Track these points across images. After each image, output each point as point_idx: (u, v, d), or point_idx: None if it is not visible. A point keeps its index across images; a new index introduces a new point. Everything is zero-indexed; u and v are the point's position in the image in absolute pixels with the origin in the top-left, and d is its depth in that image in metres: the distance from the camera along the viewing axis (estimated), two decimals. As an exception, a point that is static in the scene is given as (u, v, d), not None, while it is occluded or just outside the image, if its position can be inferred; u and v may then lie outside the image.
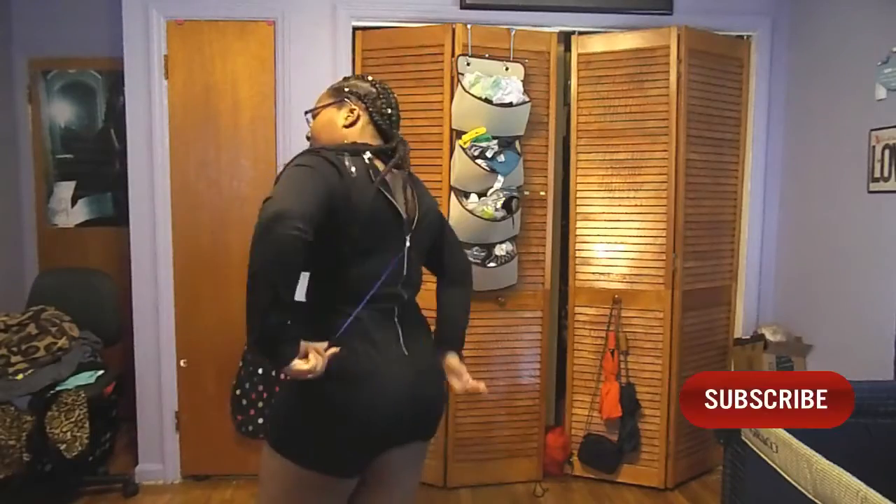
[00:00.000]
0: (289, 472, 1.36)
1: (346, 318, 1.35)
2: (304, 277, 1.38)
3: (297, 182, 1.27)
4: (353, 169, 1.36)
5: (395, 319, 1.44)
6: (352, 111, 1.51)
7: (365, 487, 1.46)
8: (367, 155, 1.42)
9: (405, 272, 1.45)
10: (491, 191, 2.80)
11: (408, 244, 1.45)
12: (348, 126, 1.51)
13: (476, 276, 2.84)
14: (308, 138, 1.58)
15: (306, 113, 1.58)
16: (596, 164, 3.04)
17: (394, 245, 1.43)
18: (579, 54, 3.03)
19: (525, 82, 2.88)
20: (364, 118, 1.51)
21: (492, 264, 2.85)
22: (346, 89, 1.54)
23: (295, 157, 1.35)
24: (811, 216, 2.99)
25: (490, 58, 2.87)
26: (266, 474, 1.42)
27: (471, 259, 2.83)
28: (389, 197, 1.40)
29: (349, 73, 2.95)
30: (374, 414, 1.34)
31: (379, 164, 1.44)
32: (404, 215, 1.43)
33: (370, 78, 1.58)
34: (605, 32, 3.03)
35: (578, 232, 3.09)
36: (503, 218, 2.80)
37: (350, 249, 1.36)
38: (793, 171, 3.13)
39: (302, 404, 1.36)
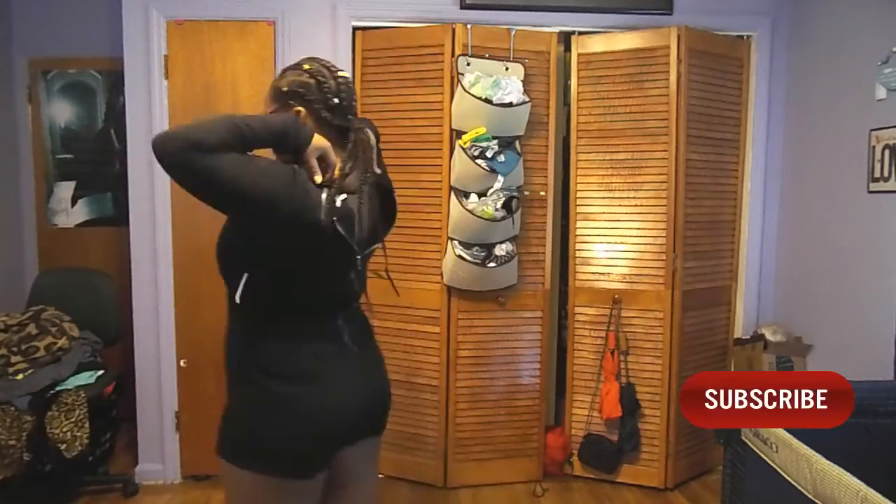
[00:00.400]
0: (247, 482, 1.32)
1: (293, 323, 1.34)
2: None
3: (272, 170, 1.20)
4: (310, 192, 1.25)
5: (344, 322, 1.39)
6: (297, 115, 1.33)
7: (330, 493, 1.44)
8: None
9: (353, 281, 1.37)
10: (491, 191, 2.80)
11: (359, 260, 1.35)
12: None
13: (476, 276, 2.87)
14: None
15: None
16: (596, 164, 3.04)
17: (343, 260, 1.34)
18: (579, 54, 3.03)
19: (525, 82, 2.88)
20: (310, 121, 1.33)
21: (492, 264, 2.85)
22: (285, 89, 1.35)
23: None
24: (811, 216, 2.99)
25: (490, 58, 2.87)
26: (229, 492, 1.39)
27: (471, 259, 2.84)
28: (343, 234, 1.28)
29: (349, 74, 2.96)
30: (326, 410, 1.33)
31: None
32: (355, 246, 1.31)
33: (307, 66, 1.37)
34: (605, 32, 3.03)
35: (578, 232, 3.09)
36: (503, 218, 2.80)
37: (294, 263, 1.30)
38: (793, 171, 3.13)
39: (251, 410, 1.32)
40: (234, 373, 1.38)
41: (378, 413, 1.47)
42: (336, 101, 1.35)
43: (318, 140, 1.28)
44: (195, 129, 1.14)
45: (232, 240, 1.34)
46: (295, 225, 1.23)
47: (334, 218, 1.25)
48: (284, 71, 1.41)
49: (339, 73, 1.38)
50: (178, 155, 1.12)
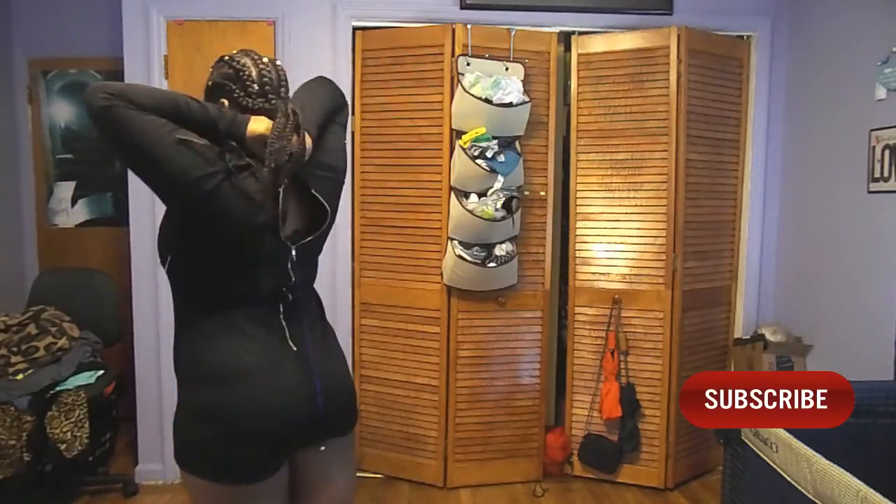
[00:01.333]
0: (200, 489, 1.31)
1: (218, 318, 1.31)
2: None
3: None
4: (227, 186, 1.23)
5: (281, 317, 1.34)
6: (222, 107, 1.30)
7: (298, 497, 1.42)
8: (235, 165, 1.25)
9: (290, 273, 1.33)
10: (491, 191, 2.80)
11: (293, 255, 1.32)
12: None
13: (476, 276, 2.87)
14: None
15: None
16: (596, 164, 3.04)
17: (271, 251, 1.30)
18: (579, 54, 3.03)
19: (525, 82, 2.88)
20: (234, 111, 1.30)
21: (492, 264, 2.85)
22: (211, 84, 1.35)
23: None
24: (811, 216, 2.99)
25: (490, 58, 2.87)
26: (189, 497, 1.38)
27: (471, 259, 2.84)
28: (268, 228, 1.27)
29: (348, 74, 2.96)
30: (257, 411, 1.27)
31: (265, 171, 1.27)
32: (281, 231, 1.29)
33: (228, 57, 1.35)
34: (605, 32, 3.03)
35: (578, 232, 3.09)
36: (503, 218, 2.80)
37: (216, 258, 1.29)
38: (793, 171, 3.13)
39: (188, 415, 1.30)
40: (176, 376, 1.37)
41: (335, 414, 1.38)
42: (256, 87, 1.32)
43: (255, 124, 1.27)
44: (135, 88, 1.20)
45: (161, 225, 1.38)
46: (191, 194, 1.22)
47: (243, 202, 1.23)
48: (213, 66, 1.39)
49: (263, 60, 1.35)
50: (107, 100, 1.14)
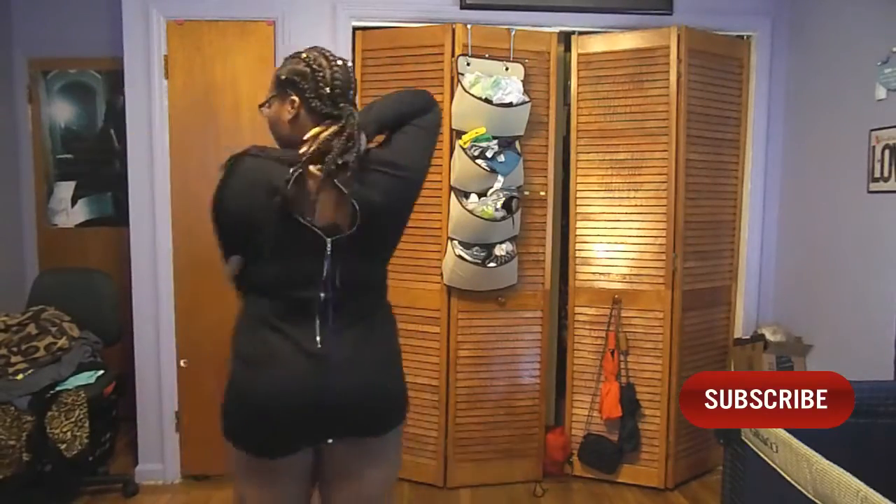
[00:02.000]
0: (232, 452, 1.44)
1: (260, 305, 1.40)
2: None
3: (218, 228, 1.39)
4: (266, 179, 1.32)
5: (316, 315, 1.37)
6: (292, 104, 1.38)
7: (321, 478, 1.51)
8: (291, 166, 1.31)
9: (325, 273, 1.36)
10: (491, 191, 2.80)
11: (329, 248, 1.35)
12: (292, 121, 1.39)
13: (476, 276, 2.87)
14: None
15: (260, 106, 1.46)
16: (596, 164, 3.04)
17: (309, 248, 1.35)
18: (579, 54, 3.03)
19: (525, 82, 2.88)
20: (302, 110, 1.38)
21: (492, 264, 2.85)
22: (283, 77, 1.40)
23: (224, 166, 1.36)
24: (811, 216, 2.99)
25: (490, 58, 2.87)
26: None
27: (471, 259, 2.84)
28: (297, 216, 1.32)
29: (349, 61, 2.96)
30: (267, 397, 1.36)
31: (314, 170, 1.33)
32: (318, 228, 1.34)
33: (304, 55, 1.40)
34: (605, 32, 3.03)
35: (578, 232, 3.09)
36: (503, 218, 2.80)
37: (256, 251, 1.37)
38: (793, 171, 3.13)
39: (227, 389, 1.43)
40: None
41: (353, 412, 1.40)
42: (328, 90, 1.36)
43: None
44: None
45: None
46: (251, 221, 1.36)
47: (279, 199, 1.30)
48: (286, 59, 1.44)
49: (337, 62, 1.40)
50: None
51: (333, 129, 1.33)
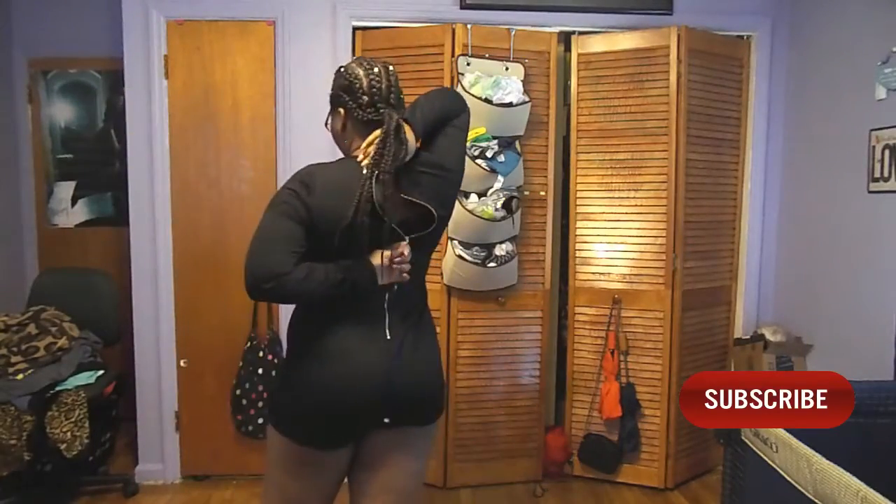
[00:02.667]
0: (276, 440, 1.49)
1: (334, 300, 1.43)
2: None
3: (272, 230, 1.38)
4: (333, 185, 1.40)
5: (385, 306, 1.47)
6: (340, 116, 1.51)
7: (359, 472, 1.56)
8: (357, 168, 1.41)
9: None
10: (491, 191, 2.80)
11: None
12: (343, 131, 1.52)
13: (476, 276, 2.87)
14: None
15: (326, 125, 1.58)
16: (596, 164, 3.04)
17: (375, 243, 1.42)
18: (579, 54, 3.03)
19: (525, 82, 2.88)
20: (349, 121, 1.50)
21: (492, 264, 2.85)
22: (331, 94, 1.52)
23: (287, 183, 1.43)
24: (811, 216, 2.99)
25: (490, 58, 2.87)
26: (267, 449, 1.56)
27: (471, 259, 2.84)
28: (382, 215, 1.39)
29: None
30: (341, 388, 1.42)
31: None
32: (396, 226, 1.42)
33: (343, 69, 1.51)
34: (605, 32, 3.03)
35: (578, 232, 3.09)
36: (503, 218, 2.80)
37: (329, 249, 1.40)
38: (793, 171, 3.13)
39: (286, 380, 1.51)
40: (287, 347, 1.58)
41: (410, 401, 1.48)
42: (366, 98, 1.46)
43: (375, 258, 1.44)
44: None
45: None
46: (323, 223, 1.40)
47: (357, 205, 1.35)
48: (335, 74, 1.54)
49: (374, 70, 1.48)
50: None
51: (377, 134, 1.40)
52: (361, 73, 1.47)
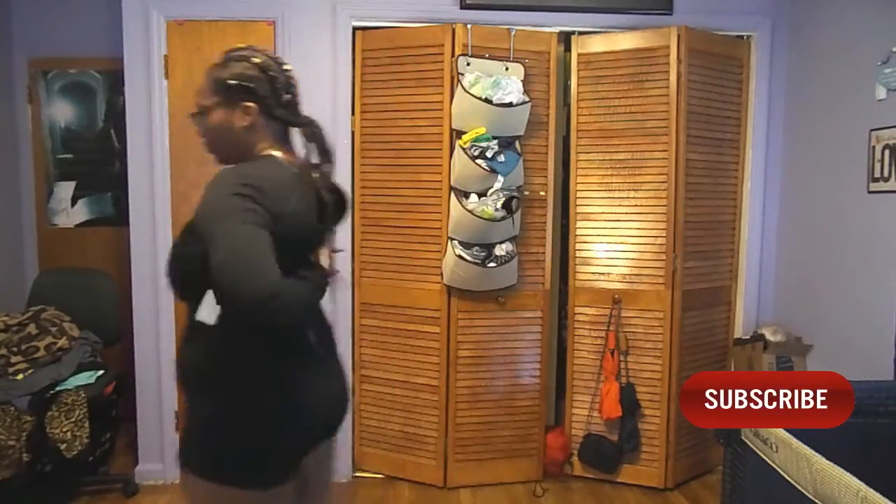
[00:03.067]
0: (232, 498, 1.22)
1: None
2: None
3: (253, 242, 1.12)
4: (279, 190, 1.23)
5: (325, 319, 1.41)
6: (246, 111, 1.28)
7: (301, 497, 1.38)
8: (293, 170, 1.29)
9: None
10: (491, 191, 2.80)
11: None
12: (248, 128, 1.29)
13: (476, 276, 2.87)
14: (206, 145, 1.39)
15: (192, 116, 1.37)
16: (596, 164, 3.04)
17: (319, 244, 1.40)
18: (579, 54, 3.03)
19: (525, 82, 2.88)
20: (260, 118, 1.29)
21: (492, 264, 2.85)
22: (233, 82, 1.27)
23: (224, 189, 1.21)
24: (811, 216, 2.99)
25: (490, 58, 2.87)
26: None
27: (471, 259, 2.84)
28: (316, 220, 1.32)
29: (348, 74, 2.96)
30: (311, 414, 1.30)
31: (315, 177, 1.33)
32: (331, 223, 1.38)
33: (256, 59, 1.29)
34: (605, 32, 3.03)
35: (578, 232, 3.09)
36: (503, 218, 2.80)
37: (284, 256, 1.19)
38: (793, 171, 3.13)
39: (243, 417, 1.23)
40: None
41: (342, 415, 1.42)
42: (288, 96, 1.30)
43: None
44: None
45: None
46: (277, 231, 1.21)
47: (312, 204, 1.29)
48: (227, 60, 1.31)
49: (286, 66, 1.33)
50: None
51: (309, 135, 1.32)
52: (276, 67, 1.30)
